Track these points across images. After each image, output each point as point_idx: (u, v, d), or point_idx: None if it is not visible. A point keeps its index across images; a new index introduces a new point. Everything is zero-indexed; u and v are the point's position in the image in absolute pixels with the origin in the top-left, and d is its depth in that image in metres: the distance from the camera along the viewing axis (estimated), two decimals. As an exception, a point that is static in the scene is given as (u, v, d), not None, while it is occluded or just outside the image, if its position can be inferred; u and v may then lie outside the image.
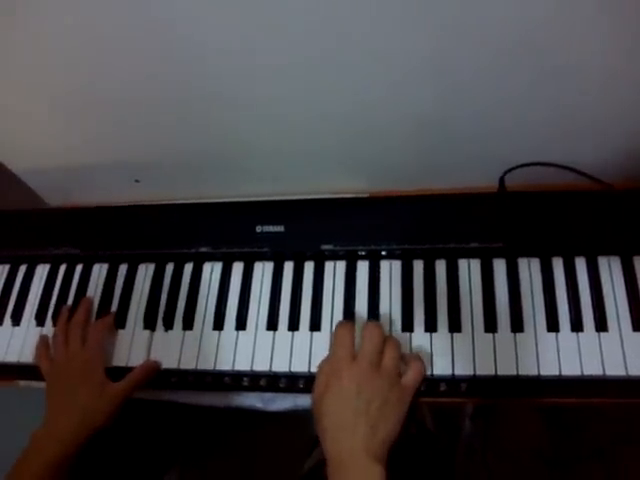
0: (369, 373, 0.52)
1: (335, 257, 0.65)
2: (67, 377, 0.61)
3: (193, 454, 1.01)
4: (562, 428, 0.76)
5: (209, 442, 1.18)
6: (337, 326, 0.57)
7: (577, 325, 0.58)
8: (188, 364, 0.62)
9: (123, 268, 0.70)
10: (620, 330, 0.57)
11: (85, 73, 0.57)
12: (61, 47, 0.54)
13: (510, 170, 0.66)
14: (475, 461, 0.73)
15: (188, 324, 0.65)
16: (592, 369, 0.56)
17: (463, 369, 0.57)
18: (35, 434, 0.58)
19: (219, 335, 0.64)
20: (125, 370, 0.62)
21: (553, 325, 0.58)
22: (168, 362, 0.63)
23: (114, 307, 0.68)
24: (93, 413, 0.58)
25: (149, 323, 0.65)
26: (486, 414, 0.76)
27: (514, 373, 0.56)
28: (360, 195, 0.70)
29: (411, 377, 0.53)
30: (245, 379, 0.61)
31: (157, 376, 0.62)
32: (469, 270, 0.63)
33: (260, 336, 0.63)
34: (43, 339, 0.66)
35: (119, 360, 0.64)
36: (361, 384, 0.51)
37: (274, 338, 0.62)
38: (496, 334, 0.59)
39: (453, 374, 0.57)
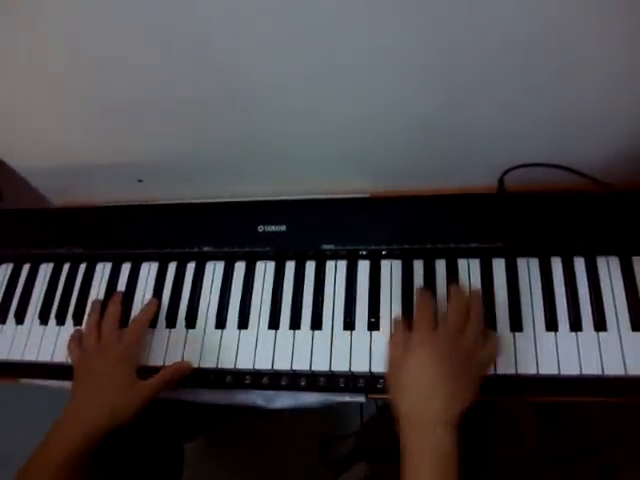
0: (452, 342, 0.53)
1: (336, 257, 0.66)
2: (99, 369, 0.60)
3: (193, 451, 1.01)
4: (559, 424, 0.76)
5: (210, 439, 1.19)
6: (417, 294, 0.60)
7: (576, 325, 0.58)
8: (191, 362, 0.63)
9: (126, 267, 0.71)
10: (619, 330, 0.58)
11: (89, 73, 0.57)
12: (65, 46, 0.54)
13: (509, 170, 0.66)
14: (472, 460, 0.73)
15: (191, 323, 0.65)
16: (591, 369, 0.56)
17: (463, 368, 0.57)
18: (59, 422, 0.58)
19: (221, 334, 0.64)
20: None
21: (552, 325, 0.59)
22: (170, 360, 0.63)
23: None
24: (122, 409, 0.58)
25: (152, 322, 0.66)
26: (483, 412, 0.76)
27: (513, 372, 0.57)
28: (361, 195, 0.71)
29: (488, 352, 0.55)
30: (247, 377, 0.62)
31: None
32: (469, 270, 0.63)
33: (262, 335, 0.63)
34: (76, 331, 0.66)
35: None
36: (444, 351, 0.52)
37: (276, 337, 0.63)
38: (495, 333, 0.59)
39: (453, 373, 0.57)
